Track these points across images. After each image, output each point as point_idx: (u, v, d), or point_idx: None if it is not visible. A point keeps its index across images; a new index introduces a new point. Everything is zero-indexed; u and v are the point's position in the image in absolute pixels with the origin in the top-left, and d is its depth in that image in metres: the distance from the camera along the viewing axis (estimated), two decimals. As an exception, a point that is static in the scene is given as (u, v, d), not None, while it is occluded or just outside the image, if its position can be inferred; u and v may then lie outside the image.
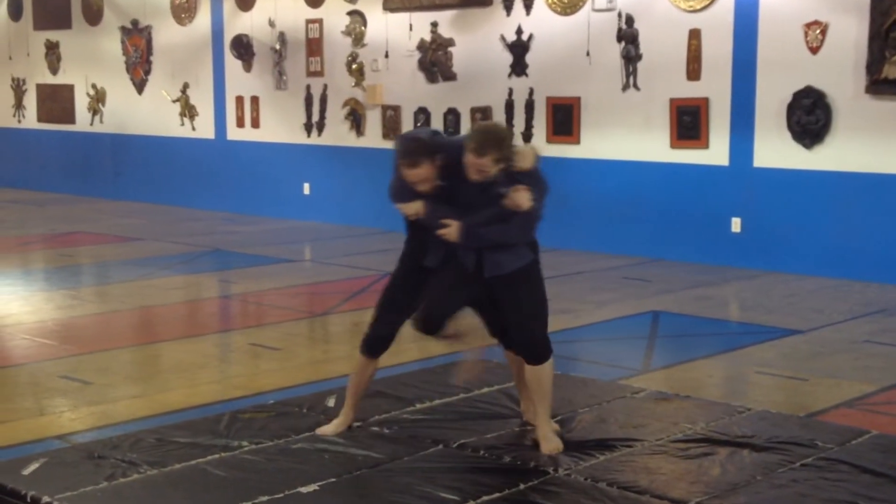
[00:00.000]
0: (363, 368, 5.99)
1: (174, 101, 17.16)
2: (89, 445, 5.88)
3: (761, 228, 11.50)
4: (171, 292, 10.73)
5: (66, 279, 11.49)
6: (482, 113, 13.38)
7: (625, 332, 9.09)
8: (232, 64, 16.22)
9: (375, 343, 5.93)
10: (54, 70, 19.19)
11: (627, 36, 12.11)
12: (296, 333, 9.05)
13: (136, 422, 6.53)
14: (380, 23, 14.34)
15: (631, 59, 12.12)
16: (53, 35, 19.05)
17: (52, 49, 19.10)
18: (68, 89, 19.00)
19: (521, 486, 5.21)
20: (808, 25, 10.90)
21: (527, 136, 13.02)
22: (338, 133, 15.11)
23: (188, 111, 16.98)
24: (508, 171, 5.52)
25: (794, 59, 11.03)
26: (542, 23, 12.82)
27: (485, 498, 5.07)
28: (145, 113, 17.74)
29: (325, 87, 15.16)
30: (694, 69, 11.69)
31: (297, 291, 10.81)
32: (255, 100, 16.08)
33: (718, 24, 11.50)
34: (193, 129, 17.01)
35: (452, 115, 13.70)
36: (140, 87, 17.73)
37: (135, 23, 17.56)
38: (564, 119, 12.76)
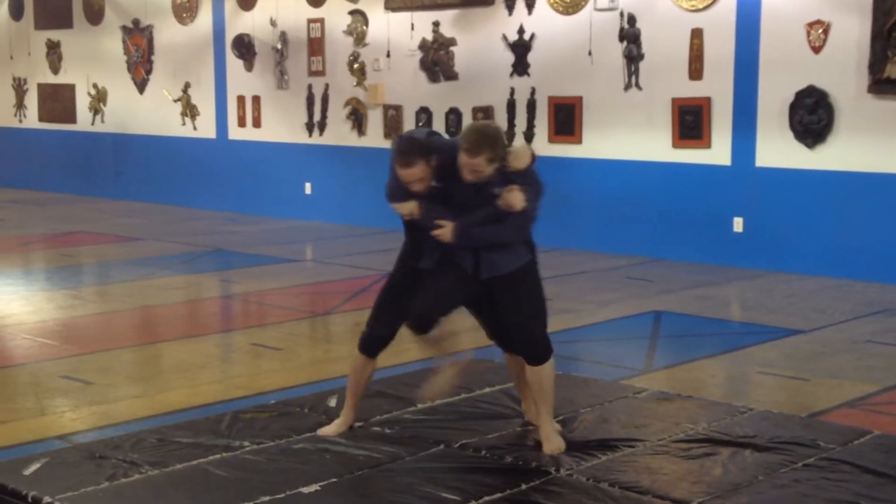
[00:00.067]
0: (362, 368, 5.98)
1: (175, 101, 17.16)
2: (90, 445, 5.87)
3: (763, 228, 11.49)
4: (173, 292, 10.72)
5: (67, 279, 11.49)
6: (484, 113, 13.37)
7: (627, 331, 9.09)
8: (233, 63, 16.22)
9: (373, 343, 5.92)
10: (55, 69, 19.19)
11: (629, 35, 12.10)
12: (297, 333, 9.05)
13: (137, 422, 6.53)
14: (381, 22, 14.34)
15: (633, 58, 12.11)
16: (54, 34, 19.05)
17: (54, 48, 19.10)
18: (69, 89, 19.00)
19: (523, 487, 5.20)
20: (811, 25, 10.89)
21: (528, 136, 13.02)
22: (339, 133, 15.10)
23: (189, 111, 16.98)
24: (503, 171, 5.51)
25: (796, 58, 11.02)
26: (543, 22, 12.81)
27: (486, 498, 5.06)
28: (146, 112, 17.73)
29: (327, 86, 15.16)
30: (696, 69, 11.68)
31: (299, 291, 10.80)
32: (256, 99, 16.08)
33: (720, 24, 11.49)
34: (195, 128, 17.01)
35: (454, 115, 13.70)
36: (141, 86, 17.72)
37: (136, 22, 17.56)
38: (566, 119, 12.75)
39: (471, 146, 5.42)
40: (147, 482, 5.28)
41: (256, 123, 16.14)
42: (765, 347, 8.40)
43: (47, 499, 5.04)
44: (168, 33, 17.16)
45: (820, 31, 10.83)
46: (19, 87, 20.05)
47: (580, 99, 12.62)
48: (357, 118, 14.84)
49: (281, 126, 15.83)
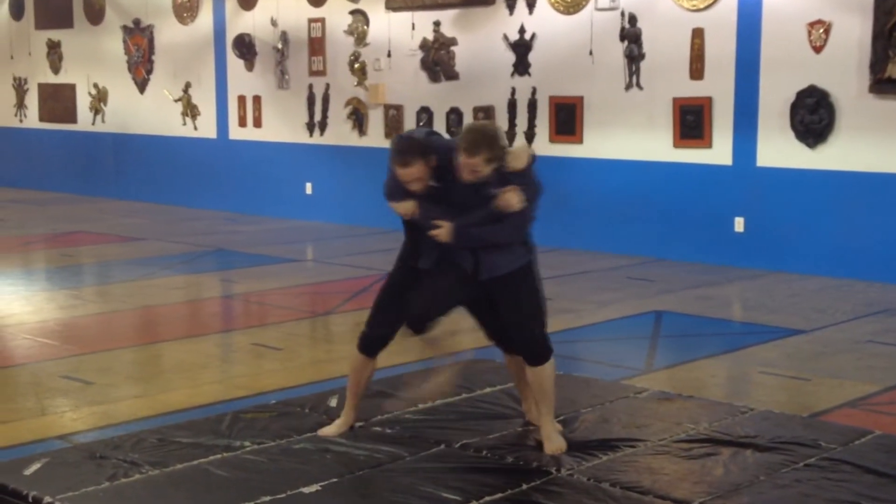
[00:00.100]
0: (361, 368, 5.97)
1: (176, 101, 17.16)
2: (91, 445, 5.86)
3: (764, 228, 11.48)
4: (173, 292, 10.72)
5: (67, 279, 11.48)
6: (485, 112, 13.37)
7: (628, 331, 9.08)
8: (234, 63, 16.21)
9: (373, 342, 5.92)
10: (56, 69, 19.19)
11: (630, 35, 12.09)
12: (298, 333, 9.04)
13: (137, 422, 6.52)
14: (382, 22, 14.34)
15: (634, 58, 12.10)
16: (55, 34, 19.05)
17: (54, 48, 19.09)
18: (70, 89, 19.00)
19: (524, 487, 5.20)
20: (812, 24, 10.89)
21: (529, 136, 13.02)
22: (340, 132, 15.10)
23: (190, 111, 16.98)
24: (501, 171, 5.50)
25: (797, 58, 11.02)
26: (544, 22, 12.81)
27: (487, 498, 5.06)
28: (147, 112, 17.73)
29: (328, 86, 15.15)
30: (697, 68, 11.67)
31: (300, 291, 10.80)
32: (257, 99, 16.07)
33: (722, 24, 11.49)
34: (195, 128, 17.00)
35: (455, 115, 13.69)
36: (142, 86, 17.72)
37: (137, 22, 17.55)
38: (567, 118, 12.75)
39: (469, 146, 5.41)
40: (148, 482, 5.28)
41: (257, 123, 16.14)
42: (766, 347, 8.39)
43: (48, 499, 5.03)
44: (169, 33, 17.16)
45: (821, 30, 10.82)
46: (20, 87, 20.05)
47: (581, 99, 12.62)
48: (358, 118, 14.84)
49: (282, 126, 15.83)
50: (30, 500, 5.08)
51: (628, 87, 12.19)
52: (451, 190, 5.56)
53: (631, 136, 12.28)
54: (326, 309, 10.04)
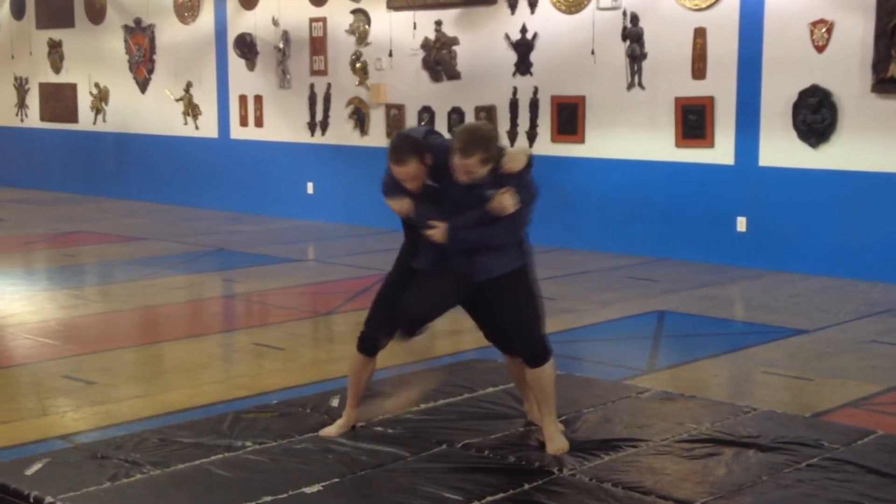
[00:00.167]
0: (361, 368, 5.96)
1: (177, 100, 17.15)
2: (92, 445, 5.86)
3: (767, 228, 11.47)
4: (175, 292, 10.71)
5: (68, 279, 11.48)
6: (487, 112, 13.36)
7: (630, 331, 9.07)
8: (235, 63, 16.21)
9: (372, 342, 5.91)
10: (57, 69, 19.19)
11: (632, 35, 12.08)
12: (299, 333, 9.04)
13: (139, 422, 6.52)
14: (384, 21, 14.33)
15: (636, 57, 12.09)
16: (56, 34, 19.04)
17: (55, 48, 19.09)
18: (71, 88, 19.00)
19: (526, 487, 5.19)
20: (814, 24, 10.88)
21: (531, 136, 13.01)
22: (341, 132, 15.09)
23: (191, 110, 16.97)
24: (497, 172, 5.49)
25: (799, 57, 11.01)
26: (546, 21, 12.80)
27: (489, 498, 5.05)
28: (148, 112, 17.73)
29: (329, 85, 15.15)
30: (699, 68, 11.66)
31: (301, 291, 10.79)
32: (258, 99, 16.06)
33: (724, 23, 11.48)
34: (197, 128, 17.00)
35: (456, 115, 13.68)
36: (143, 85, 17.72)
37: (138, 21, 17.55)
38: (569, 118, 12.74)
39: (464, 147, 5.40)
40: (149, 482, 5.27)
41: (258, 123, 16.13)
42: (768, 347, 8.38)
43: (49, 499, 5.03)
44: (170, 32, 17.15)
45: (823, 30, 10.81)
46: (21, 87, 20.05)
47: (583, 98, 12.61)
48: (359, 118, 14.83)
49: (283, 125, 15.82)
50: (31, 500, 5.07)
51: (630, 86, 12.18)
52: (448, 189, 5.55)
53: (633, 136, 12.27)
54: (328, 309, 10.03)
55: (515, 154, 5.58)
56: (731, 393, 7.30)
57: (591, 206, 12.70)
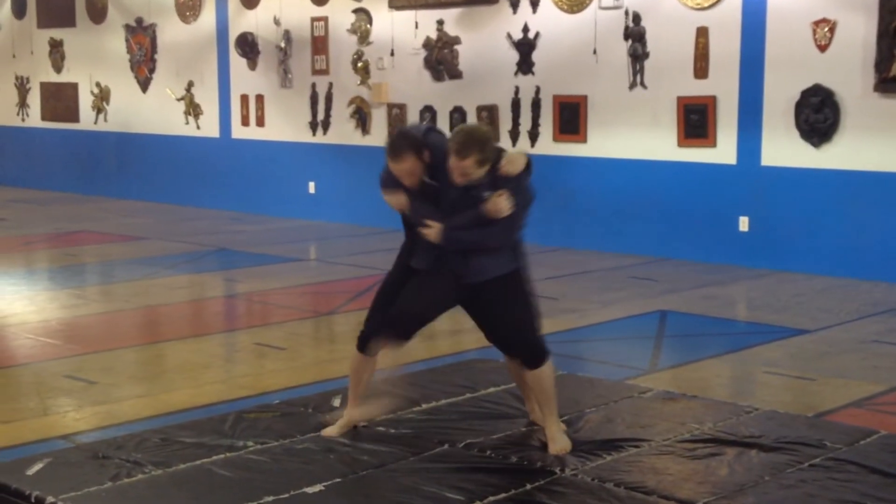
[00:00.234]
0: (362, 367, 5.95)
1: (179, 100, 17.15)
2: (94, 445, 5.85)
3: (769, 227, 11.46)
4: (176, 291, 10.71)
5: (70, 278, 11.47)
6: (488, 111, 13.35)
7: (632, 331, 9.06)
8: (237, 62, 16.20)
9: (372, 342, 5.90)
10: (58, 68, 19.18)
11: (634, 34, 12.07)
12: (301, 333, 9.03)
13: (140, 422, 6.51)
14: (385, 21, 14.32)
15: (638, 57, 12.08)
16: (57, 33, 19.04)
17: (56, 47, 19.08)
18: (72, 88, 19.00)
19: (528, 487, 5.19)
20: (817, 23, 10.86)
21: (533, 135, 13.00)
22: (343, 132, 15.08)
23: (193, 110, 16.97)
24: (494, 174, 5.48)
25: (802, 57, 10.99)
26: (548, 21, 12.79)
27: (491, 498, 5.04)
28: (150, 111, 17.72)
29: (331, 85, 15.14)
30: (701, 67, 11.65)
31: (303, 291, 10.78)
32: (259, 98, 16.06)
33: (726, 22, 11.46)
34: (198, 127, 16.99)
35: (458, 114, 13.68)
36: (144, 85, 17.71)
37: (139, 21, 17.54)
38: (571, 117, 12.72)
39: (459, 148, 5.39)
40: (150, 482, 5.26)
41: (260, 122, 16.12)
42: (771, 347, 8.37)
43: (50, 499, 5.02)
44: (171, 32, 17.15)
45: (826, 29, 10.80)
46: (22, 86, 20.04)
47: (585, 98, 12.60)
48: (361, 117, 14.82)
49: (284, 125, 15.81)
50: (32, 500, 5.07)
51: (632, 86, 12.17)
52: (446, 189, 5.55)
53: (635, 136, 12.25)
54: (329, 308, 10.02)
55: (513, 157, 5.57)
56: (733, 393, 7.29)
57: (593, 205, 12.70)
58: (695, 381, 7.44)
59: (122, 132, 18.22)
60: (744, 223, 11.61)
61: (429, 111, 13.96)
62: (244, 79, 16.19)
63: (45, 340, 8.68)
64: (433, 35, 13.84)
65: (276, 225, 15.13)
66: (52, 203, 17.96)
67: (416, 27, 13.97)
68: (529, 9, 12.91)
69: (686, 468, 5.43)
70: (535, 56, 12.96)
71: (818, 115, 10.90)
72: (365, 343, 5.90)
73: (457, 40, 13.66)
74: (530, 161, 5.63)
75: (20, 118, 20.24)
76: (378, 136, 14.50)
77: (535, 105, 13.02)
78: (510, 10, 13.08)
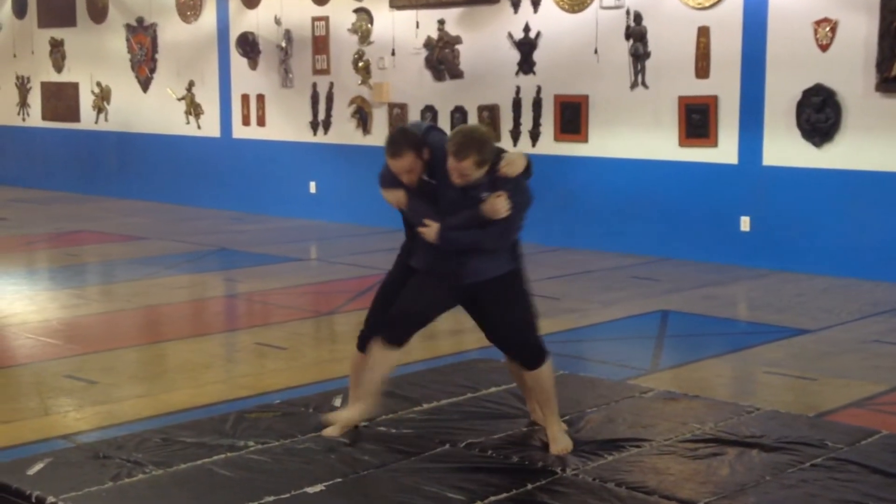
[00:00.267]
0: (362, 367, 5.95)
1: (179, 100, 17.14)
2: (94, 445, 5.84)
3: (770, 227, 11.45)
4: (177, 291, 10.70)
5: (70, 278, 11.47)
6: (489, 111, 13.35)
7: (633, 331, 9.05)
8: (238, 62, 16.19)
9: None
10: (59, 68, 19.18)
11: (636, 33, 12.06)
12: (302, 333, 9.02)
13: (141, 421, 6.51)
14: (386, 20, 14.31)
15: (639, 56, 12.07)
16: (58, 33, 19.04)
17: (57, 47, 19.08)
18: (73, 87, 18.99)
19: (529, 487, 5.18)
20: (818, 23, 10.85)
21: (534, 135, 12.99)
22: (344, 131, 15.08)
23: (193, 109, 16.96)
24: (494, 175, 5.47)
25: (803, 56, 10.99)
26: (549, 20, 12.78)
27: (492, 498, 5.04)
28: (150, 111, 17.72)
29: (332, 85, 15.13)
30: (703, 67, 11.64)
31: (303, 290, 10.78)
32: (260, 98, 16.05)
33: (727, 22, 11.46)
34: (199, 127, 16.99)
35: (459, 114, 13.67)
36: (145, 85, 17.71)
37: (140, 20, 17.54)
38: (572, 117, 12.72)
39: (457, 149, 5.38)
40: (151, 482, 5.26)
41: (261, 122, 16.12)
42: (772, 347, 8.36)
43: (51, 499, 5.01)
44: (172, 31, 17.14)
45: (827, 29, 10.79)
46: (23, 86, 20.04)
47: (586, 97, 12.59)
48: (362, 117, 14.82)
49: (285, 125, 15.81)
50: (33, 500, 5.06)
51: (634, 85, 12.16)
52: (444, 188, 5.54)
53: (636, 135, 12.25)
54: (330, 308, 10.02)
55: (513, 158, 5.55)
56: (734, 393, 7.29)
57: (595, 205, 12.69)
58: (696, 381, 7.43)
59: (123, 132, 18.22)
60: (745, 223, 11.60)
61: (430, 111, 13.95)
62: (245, 78, 16.18)
63: (45, 340, 8.67)
64: (434, 35, 13.84)
65: (276, 225, 15.12)
66: (52, 203, 17.96)
67: (417, 27, 13.96)
68: (530, 8, 12.90)
69: (687, 468, 5.42)
70: (537, 56, 12.95)
71: (819, 114, 10.89)
72: (365, 343, 5.89)
73: (458, 40, 13.65)
74: (530, 163, 5.61)
75: (21, 118, 20.23)
76: (379, 136, 14.48)
77: (537, 105, 13.01)
78: (511, 10, 13.08)
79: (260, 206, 16.16)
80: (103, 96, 18.43)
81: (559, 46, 12.74)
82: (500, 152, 5.58)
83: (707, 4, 11.55)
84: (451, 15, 13.68)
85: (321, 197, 15.50)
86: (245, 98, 16.23)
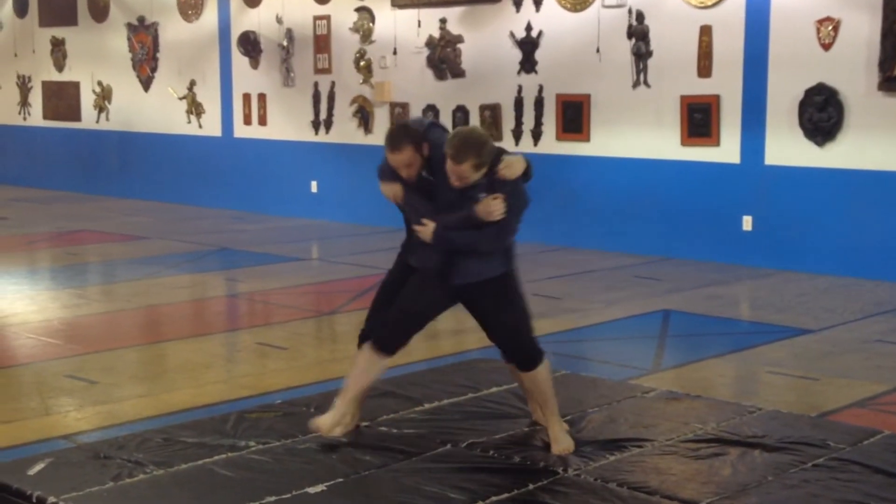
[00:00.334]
0: None
1: (181, 99, 17.14)
2: (95, 445, 5.84)
3: (772, 227, 11.44)
4: (178, 291, 10.70)
5: (71, 278, 11.46)
6: (491, 110, 13.34)
7: (635, 331, 9.04)
8: (239, 61, 16.18)
9: None
10: (60, 67, 19.18)
11: (638, 32, 12.05)
12: (303, 333, 9.01)
13: (142, 421, 6.50)
14: (388, 19, 14.30)
15: (641, 55, 12.06)
16: (59, 32, 19.04)
17: (58, 46, 19.08)
18: (74, 86, 18.99)
19: (531, 487, 5.17)
20: (821, 22, 10.84)
21: (536, 134, 12.98)
22: (345, 130, 15.07)
23: (195, 108, 16.96)
24: (492, 177, 5.46)
25: (806, 55, 10.97)
26: (551, 19, 12.77)
27: (494, 498, 5.03)
28: (152, 110, 17.71)
29: (333, 84, 15.12)
30: (705, 66, 11.63)
31: (305, 290, 10.77)
32: (262, 97, 16.05)
33: (729, 21, 11.44)
34: (200, 126, 16.98)
35: (461, 113, 13.66)
36: (146, 84, 17.70)
37: (141, 19, 17.53)
38: (574, 116, 12.70)
39: (456, 153, 5.37)
40: (152, 482, 5.25)
41: (262, 121, 16.11)
42: (774, 347, 8.35)
43: (52, 499, 5.01)
44: (173, 30, 17.13)
45: (830, 28, 10.77)
46: (24, 85, 20.04)
47: (588, 96, 12.57)
48: (363, 116, 14.81)
49: (287, 124, 15.80)
50: (34, 500, 5.05)
51: (636, 84, 12.15)
52: (441, 186, 5.53)
53: (638, 134, 12.23)
54: (331, 308, 10.01)
55: (512, 161, 5.53)
56: (736, 393, 7.28)
57: (596, 204, 12.67)
58: (698, 380, 7.42)
59: (124, 131, 18.22)
60: (747, 222, 11.59)
61: (431, 110, 13.94)
62: (246, 77, 16.18)
63: (46, 340, 8.66)
64: (436, 34, 13.83)
65: (277, 224, 15.12)
66: (53, 202, 17.96)
67: (419, 26, 13.96)
68: (532, 7, 12.89)
69: (689, 468, 5.41)
70: (538, 55, 12.94)
71: (822, 113, 10.88)
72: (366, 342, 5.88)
73: (459, 39, 13.64)
74: (530, 165, 5.58)
75: (22, 117, 20.23)
76: (380, 135, 14.33)
77: (538, 104, 13.00)
78: (513, 9, 13.07)
79: (261, 206, 16.16)
80: (104, 95, 18.43)
81: (561, 45, 12.73)
82: (500, 153, 5.56)
83: (709, 3, 11.54)
84: (452, 14, 13.67)
85: (322, 196, 15.49)
86: (246, 97, 16.23)
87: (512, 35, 13.11)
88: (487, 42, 13.40)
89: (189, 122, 17.11)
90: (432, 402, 6.45)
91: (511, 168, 5.49)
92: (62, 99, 19.24)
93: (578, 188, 12.68)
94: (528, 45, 12.99)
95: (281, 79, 15.72)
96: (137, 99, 17.89)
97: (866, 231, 10.86)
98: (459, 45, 13.66)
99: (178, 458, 5.53)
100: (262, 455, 5.60)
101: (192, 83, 16.93)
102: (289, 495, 5.05)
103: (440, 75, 13.88)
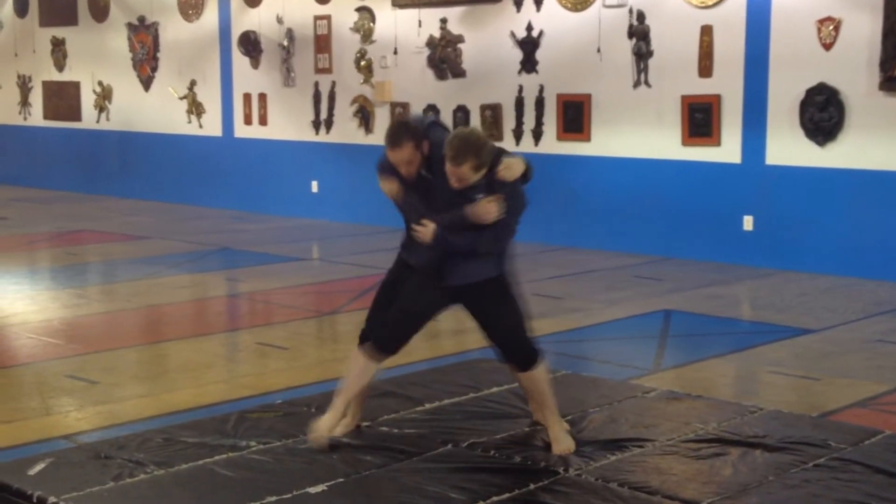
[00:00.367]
0: None
1: (181, 99, 17.13)
2: (96, 445, 5.84)
3: (773, 227, 11.44)
4: (178, 291, 10.69)
5: (72, 278, 11.46)
6: (492, 110, 13.33)
7: (636, 331, 9.04)
8: (239, 61, 16.18)
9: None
10: (60, 67, 19.17)
11: (638, 32, 12.05)
12: (304, 332, 9.01)
13: (142, 421, 6.50)
14: (389, 19, 14.30)
15: (642, 55, 12.06)
16: (59, 32, 19.03)
17: (59, 46, 19.08)
18: (74, 86, 18.98)
19: (531, 487, 5.17)
20: (822, 21, 10.83)
21: (537, 134, 12.98)
22: (346, 130, 15.06)
23: (195, 108, 16.95)
24: (491, 178, 5.45)
25: (806, 55, 10.97)
26: (552, 19, 12.76)
27: (494, 498, 5.03)
28: (152, 110, 17.71)
29: (334, 84, 15.12)
30: (706, 66, 11.62)
31: (305, 290, 10.76)
32: (262, 97, 16.04)
33: (730, 21, 11.44)
34: (200, 126, 16.98)
35: (462, 113, 13.65)
36: (147, 84, 17.70)
37: (141, 19, 17.53)
38: (575, 116, 12.70)
39: (455, 155, 5.36)
40: (152, 482, 5.25)
41: (263, 121, 16.10)
42: (775, 347, 8.35)
43: (52, 499, 5.01)
44: (174, 30, 17.13)
45: (831, 27, 10.77)
46: (24, 85, 20.03)
47: (589, 96, 12.57)
48: (364, 116, 14.80)
49: (287, 124, 15.79)
50: (34, 500, 5.05)
51: (636, 84, 12.15)
52: (440, 185, 5.53)
53: (639, 134, 12.23)
54: (332, 308, 10.00)
55: (511, 162, 5.52)
56: (737, 393, 7.28)
57: (597, 204, 12.67)
58: (699, 380, 7.42)
59: (125, 131, 18.22)
60: (748, 222, 11.58)
61: (432, 110, 13.92)
62: (247, 77, 16.17)
63: (46, 340, 8.66)
64: (436, 33, 13.82)
65: (278, 224, 15.11)
66: (54, 202, 17.96)
67: (420, 25, 13.95)
68: (533, 7, 12.89)
69: (690, 468, 5.41)
70: (539, 54, 12.94)
71: (823, 113, 10.87)
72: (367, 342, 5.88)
73: (460, 39, 13.64)
74: (529, 167, 5.57)
75: (22, 117, 20.23)
76: (381, 134, 14.35)
77: (539, 104, 12.99)
78: (514, 9, 13.06)
79: (262, 206, 16.15)
80: (105, 95, 18.43)
81: (562, 45, 12.72)
82: (500, 153, 5.55)
83: (710, 3, 11.54)
84: (453, 13, 13.66)
85: (323, 196, 15.49)
86: (247, 97, 16.22)
87: (512, 35, 13.11)
88: (488, 42, 13.39)
89: (189, 121, 17.10)
90: (433, 402, 6.45)
91: (510, 169, 5.48)
92: (62, 99, 19.24)
93: (579, 188, 12.68)
94: (529, 45, 12.99)
95: (281, 79, 15.72)
96: (138, 99, 17.89)
97: (867, 231, 10.86)
98: (460, 45, 13.66)
99: (178, 458, 5.53)
100: (262, 455, 5.59)
101: (193, 83, 16.93)
102: (289, 495, 5.04)
103: (441, 75, 13.88)
